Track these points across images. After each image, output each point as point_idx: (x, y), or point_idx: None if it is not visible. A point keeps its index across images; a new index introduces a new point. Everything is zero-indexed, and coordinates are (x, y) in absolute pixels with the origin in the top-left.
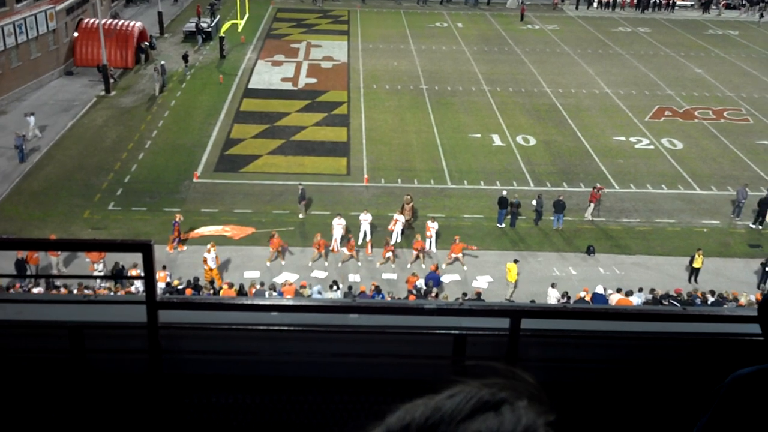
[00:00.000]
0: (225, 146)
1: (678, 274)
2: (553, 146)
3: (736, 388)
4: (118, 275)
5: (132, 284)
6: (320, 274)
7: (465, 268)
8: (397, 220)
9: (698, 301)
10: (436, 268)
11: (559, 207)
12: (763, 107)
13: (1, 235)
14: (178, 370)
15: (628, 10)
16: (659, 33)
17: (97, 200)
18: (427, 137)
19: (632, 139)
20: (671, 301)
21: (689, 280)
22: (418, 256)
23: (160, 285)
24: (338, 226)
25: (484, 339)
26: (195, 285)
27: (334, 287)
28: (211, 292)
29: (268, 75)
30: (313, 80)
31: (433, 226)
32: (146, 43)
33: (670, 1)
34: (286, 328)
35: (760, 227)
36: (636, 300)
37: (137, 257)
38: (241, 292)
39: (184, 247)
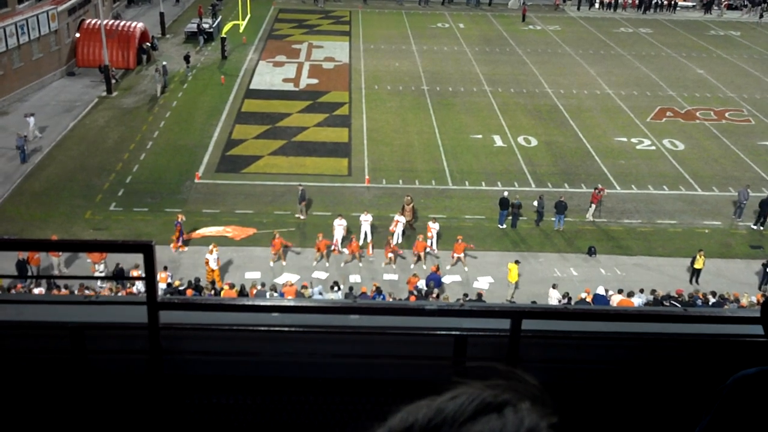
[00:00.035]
0: (226, 147)
1: (679, 275)
2: (554, 147)
3: (739, 389)
4: (118, 276)
5: (133, 285)
6: (321, 275)
7: (466, 268)
8: (398, 221)
9: (699, 302)
10: (437, 269)
11: (561, 208)
12: (764, 108)
13: (3, 235)
14: (179, 370)
15: (629, 11)
16: (661, 34)
17: (99, 201)
18: (428, 138)
19: (634, 140)
20: (672, 302)
21: (690, 281)
22: (419, 258)
23: (161, 286)
24: (339, 227)
25: (485, 340)
26: (196, 286)
27: (335, 288)
28: (212, 292)
29: (269, 76)
30: (314, 81)
31: (434, 227)
32: (148, 43)
33: (672, 2)
34: (287, 328)
35: (762, 228)
36: (637, 301)
37: (138, 258)
38: (242, 292)
39: (186, 248)
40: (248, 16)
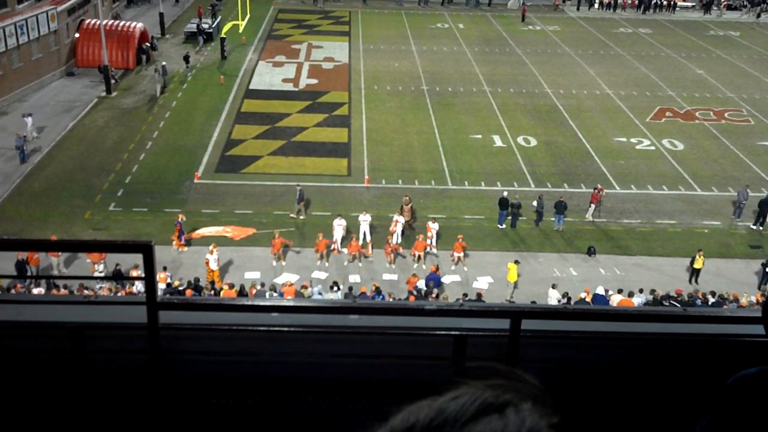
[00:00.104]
0: (226, 147)
1: (679, 275)
2: (554, 147)
3: (739, 389)
4: (118, 276)
5: (133, 285)
6: (321, 274)
7: (465, 268)
8: (397, 221)
9: (699, 302)
10: (437, 268)
11: (560, 208)
12: (764, 108)
13: (2, 235)
14: (179, 370)
15: (629, 11)
16: (660, 34)
17: (98, 201)
18: (428, 138)
19: (633, 140)
20: (672, 302)
21: (690, 281)
22: (419, 258)
23: (161, 286)
24: (339, 227)
25: (485, 340)
26: (195, 286)
27: (335, 288)
28: (212, 292)
29: (269, 76)
30: (314, 81)
31: (433, 227)
32: (147, 44)
33: (671, 2)
34: (286, 328)
35: (761, 228)
36: (637, 301)
37: (138, 258)
38: (241, 292)
39: (185, 248)
40: (248, 16)
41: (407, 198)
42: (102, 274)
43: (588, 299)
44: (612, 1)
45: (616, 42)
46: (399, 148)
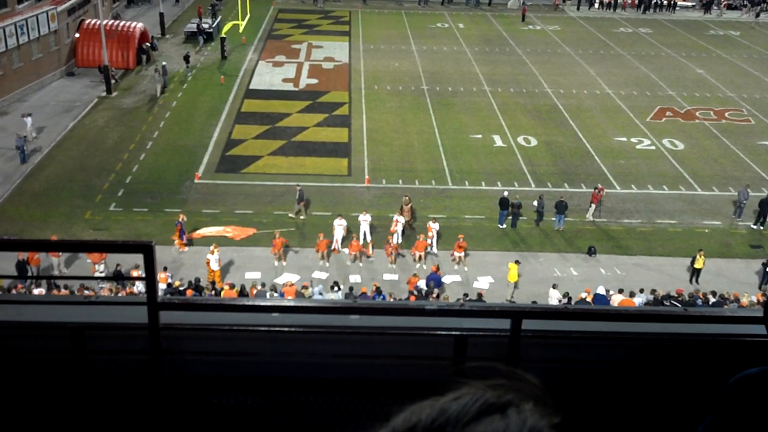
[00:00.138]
0: (226, 147)
1: (679, 275)
2: (554, 147)
3: (741, 389)
4: (119, 276)
5: (134, 285)
6: (321, 275)
7: (466, 268)
8: (397, 221)
9: (699, 301)
10: (437, 268)
11: (561, 208)
12: (764, 108)
13: (3, 236)
14: (179, 371)
15: (629, 11)
16: (660, 34)
17: (99, 201)
18: (428, 138)
19: (633, 140)
20: (672, 301)
21: (690, 280)
22: (420, 258)
23: (161, 286)
24: (339, 227)
25: (485, 340)
26: (196, 286)
27: (335, 288)
28: (213, 293)
29: (269, 76)
30: (314, 81)
31: (434, 227)
32: (147, 43)
33: (672, 2)
34: (287, 329)
35: (762, 228)
36: (637, 301)
37: (138, 258)
38: (242, 293)
39: (186, 248)
40: (248, 16)
41: (407, 198)
42: (102, 275)
43: (589, 299)
44: (612, 1)
45: (616, 42)
46: (399, 148)
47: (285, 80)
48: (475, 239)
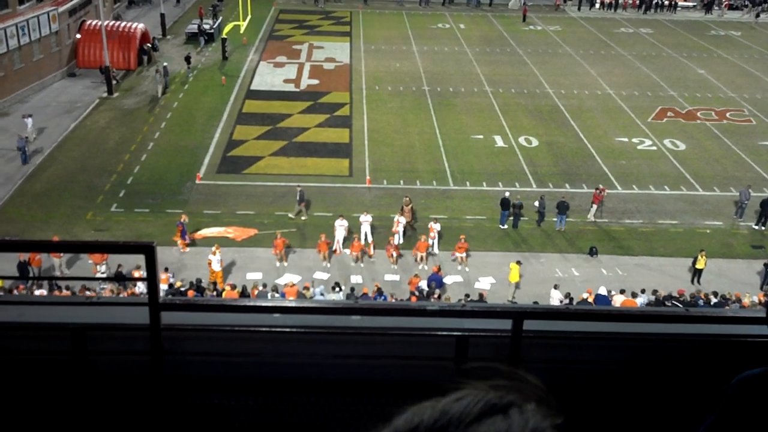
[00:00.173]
0: (227, 148)
1: (681, 275)
2: (555, 147)
3: (743, 389)
4: (120, 277)
5: (135, 285)
6: (323, 275)
7: (467, 269)
8: (399, 222)
9: (701, 302)
10: (439, 269)
11: (563, 208)
12: (765, 108)
13: (4, 237)
14: (181, 371)
15: (630, 11)
16: (661, 34)
17: (100, 202)
18: (429, 138)
19: (635, 140)
20: (674, 302)
21: (692, 281)
22: (421, 258)
23: (163, 287)
24: (341, 227)
25: (487, 340)
26: (197, 287)
27: (337, 289)
28: (214, 293)
29: (270, 76)
30: (315, 81)
31: (435, 228)
32: (149, 44)
33: (673, 2)
34: (288, 329)
35: (763, 228)
36: (639, 301)
37: (140, 259)
38: (243, 293)
39: (188, 249)
40: (249, 16)
41: (407, 199)
42: (104, 275)
43: (590, 300)
44: (613, 1)
45: (617, 42)
46: (400, 149)
47: (286, 81)
48: (476, 240)
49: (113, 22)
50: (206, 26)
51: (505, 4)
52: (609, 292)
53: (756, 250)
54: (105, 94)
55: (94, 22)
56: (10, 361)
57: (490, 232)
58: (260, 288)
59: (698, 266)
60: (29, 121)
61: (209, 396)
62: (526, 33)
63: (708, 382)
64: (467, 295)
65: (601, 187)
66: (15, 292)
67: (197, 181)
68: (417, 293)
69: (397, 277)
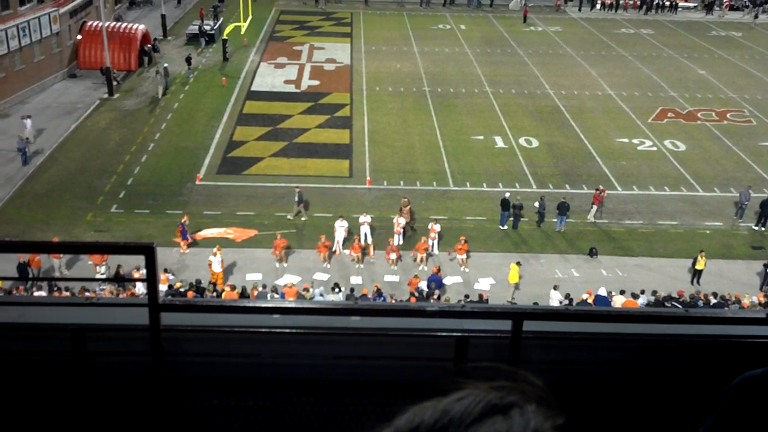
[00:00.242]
0: (228, 148)
1: (681, 276)
2: (555, 148)
3: (745, 390)
4: (120, 278)
5: (134, 286)
6: (322, 276)
7: (467, 270)
8: (399, 223)
9: (701, 303)
10: (438, 270)
11: (563, 209)
12: (766, 109)
13: (4, 238)
14: (181, 372)
15: (631, 12)
16: (662, 34)
17: (100, 203)
18: (429, 139)
19: (635, 141)
20: (674, 303)
21: (692, 281)
22: (421, 259)
23: (162, 287)
24: (340, 228)
25: (486, 341)
26: (197, 287)
27: (336, 290)
28: (214, 294)
29: (270, 77)
30: (315, 82)
31: (435, 228)
32: (149, 45)
33: (673, 3)
34: (288, 330)
35: (763, 229)
36: (640, 302)
37: (140, 259)
38: (243, 294)
39: (187, 250)
40: (249, 17)
41: (406, 200)
42: (104, 276)
43: (590, 300)
44: (614, 2)
45: (617, 43)
46: (401, 150)
47: (287, 82)
48: (476, 240)
49: (114, 23)
50: (207, 27)
51: (505, 5)
52: (609, 293)
53: (756, 250)
54: (106, 95)
55: (94, 23)
56: (10, 362)
57: (490, 232)
58: (260, 289)
59: (698, 267)
60: (28, 122)
61: (209, 397)
62: (526, 34)
63: (707, 383)
64: (467, 296)
65: (601, 187)
66: (14, 292)
67: (197, 182)
68: (417, 294)
69: (396, 278)
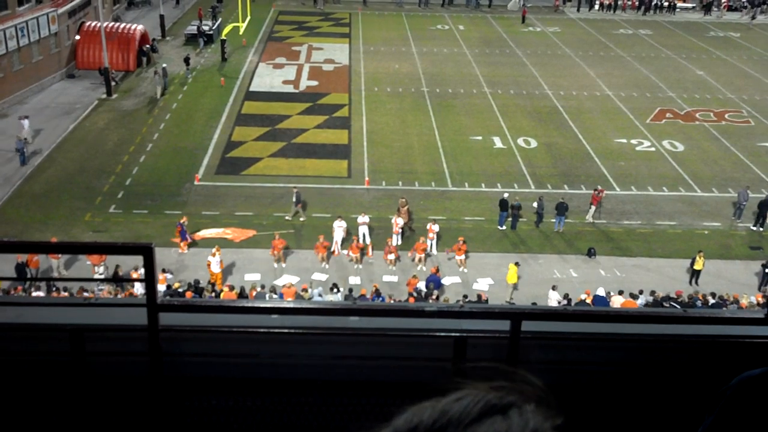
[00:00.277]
0: (226, 149)
1: (679, 276)
2: (554, 148)
3: (743, 390)
4: (118, 278)
5: (133, 286)
6: (321, 276)
7: (465, 270)
8: (397, 223)
9: (699, 303)
10: (437, 270)
11: (562, 209)
12: (764, 109)
13: (2, 238)
14: (179, 372)
15: (629, 12)
16: (660, 35)
17: (99, 203)
18: (428, 140)
19: (633, 141)
20: (672, 303)
21: (690, 282)
22: (420, 259)
23: (161, 288)
24: (339, 228)
25: (485, 341)
26: (196, 288)
27: (335, 290)
28: (213, 294)
29: (269, 78)
30: (314, 83)
31: (434, 229)
32: (148, 46)
33: (672, 3)
34: (286, 330)
35: (761, 229)
36: (639, 302)
37: (138, 260)
38: (241, 294)
39: (186, 250)
40: (248, 18)
41: (404, 200)
42: (102, 276)
43: (588, 301)
44: (612, 3)
45: (616, 43)
46: (399, 150)
47: (285, 82)
48: (474, 241)
49: (112, 23)
50: (205, 27)
51: (504, 6)
52: (607, 293)
53: (754, 251)
54: (104, 96)
55: (93, 24)
56: (8, 362)
57: (489, 233)
58: (258, 289)
59: (696, 267)
60: (26, 122)
61: (207, 397)
62: (525, 34)
63: (706, 383)
64: (465, 296)
65: (599, 188)
66: (13, 293)
67: (196, 182)
68: (415, 294)
69: (395, 278)
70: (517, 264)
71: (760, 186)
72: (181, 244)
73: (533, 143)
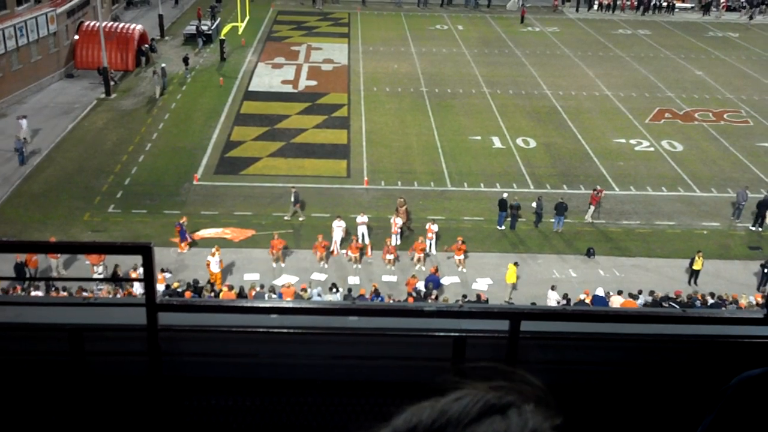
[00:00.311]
0: (225, 149)
1: (678, 276)
2: (553, 148)
3: (743, 390)
4: (117, 278)
5: (132, 286)
6: (320, 276)
7: (464, 270)
8: (396, 223)
9: (698, 303)
10: (436, 270)
11: (561, 209)
12: (763, 109)
13: (1, 237)
14: (178, 372)
15: (628, 13)
16: (659, 35)
17: (97, 203)
18: (427, 140)
19: (632, 141)
20: (671, 303)
21: (689, 282)
22: (419, 259)
23: (160, 287)
24: (338, 228)
25: (484, 341)
26: (195, 287)
27: (334, 290)
28: (212, 294)
29: (268, 77)
30: (313, 83)
31: (433, 228)
32: (147, 45)
33: (670, 3)
34: (285, 330)
35: (760, 229)
36: (639, 302)
37: (137, 259)
38: (240, 294)
39: (185, 250)
40: (247, 17)
41: (402, 200)
42: (101, 276)
43: (587, 301)
44: (611, 3)
45: (615, 43)
46: (398, 150)
47: (284, 82)
48: (474, 241)
49: (111, 23)
50: (204, 27)
51: (503, 6)
52: (607, 293)
53: (753, 251)
54: (103, 95)
55: (92, 23)
56: (7, 361)
57: (488, 233)
58: (257, 289)
59: (695, 267)
60: (24, 122)
61: (206, 397)
62: (524, 34)
63: (705, 383)
64: (465, 296)
65: (598, 188)
66: (12, 292)
67: (195, 182)
68: (414, 294)
69: (394, 278)
70: (516, 264)
71: (759, 186)
72: (181, 244)
73: (532, 143)
